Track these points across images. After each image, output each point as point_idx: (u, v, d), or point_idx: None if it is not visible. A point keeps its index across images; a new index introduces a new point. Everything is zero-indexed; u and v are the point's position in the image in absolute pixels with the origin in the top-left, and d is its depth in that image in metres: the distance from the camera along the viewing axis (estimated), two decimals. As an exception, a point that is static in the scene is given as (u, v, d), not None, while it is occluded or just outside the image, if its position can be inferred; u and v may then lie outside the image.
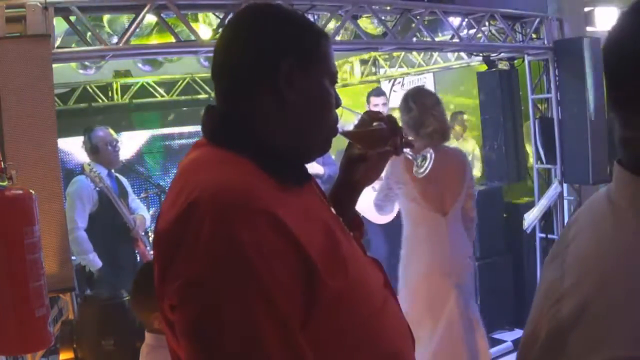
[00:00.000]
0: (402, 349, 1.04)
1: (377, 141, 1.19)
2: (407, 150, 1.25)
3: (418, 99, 3.01)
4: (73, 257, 3.09)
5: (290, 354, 0.82)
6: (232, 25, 1.06)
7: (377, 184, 4.58)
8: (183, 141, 6.77)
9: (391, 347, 1.01)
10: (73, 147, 3.99)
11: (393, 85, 7.06)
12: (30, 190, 2.23)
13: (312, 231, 0.91)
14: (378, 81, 7.09)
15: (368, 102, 4.84)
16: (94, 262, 3.59)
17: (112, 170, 3.89)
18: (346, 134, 1.19)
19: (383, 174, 2.94)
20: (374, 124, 1.19)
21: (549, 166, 4.70)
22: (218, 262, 0.81)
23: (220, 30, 3.45)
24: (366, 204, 4.70)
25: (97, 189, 3.65)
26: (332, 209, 1.09)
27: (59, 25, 3.07)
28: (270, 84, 0.98)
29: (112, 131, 3.94)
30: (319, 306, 0.87)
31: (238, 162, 0.93)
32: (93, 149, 3.78)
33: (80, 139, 4.00)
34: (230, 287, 0.81)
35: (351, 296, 0.93)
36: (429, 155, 1.40)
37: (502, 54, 4.63)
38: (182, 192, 0.88)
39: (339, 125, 1.10)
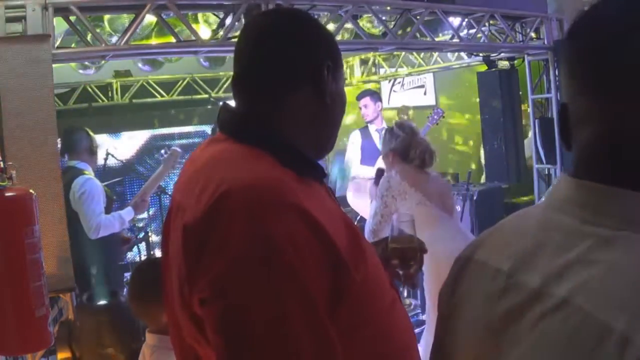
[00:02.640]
0: (411, 344, 1.06)
1: (407, 263, 1.34)
2: (405, 289, 1.40)
3: (404, 126, 3.18)
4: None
5: (323, 347, 0.83)
6: (266, 29, 1.06)
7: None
8: (183, 141, 6.76)
9: (403, 341, 1.02)
10: (72, 148, 3.92)
11: (393, 85, 7.07)
12: (30, 190, 2.23)
13: (336, 224, 0.92)
14: (378, 81, 7.09)
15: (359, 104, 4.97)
16: (129, 215, 3.60)
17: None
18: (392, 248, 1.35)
19: (376, 196, 3.09)
20: (406, 246, 1.34)
21: (549, 166, 4.70)
22: (252, 255, 0.82)
23: (220, 30, 3.47)
24: (363, 202, 4.71)
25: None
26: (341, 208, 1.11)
27: (59, 25, 3.08)
28: (312, 85, 1.02)
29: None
30: (346, 298, 0.88)
31: (261, 157, 0.95)
32: (92, 151, 3.73)
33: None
34: (265, 281, 0.81)
35: (370, 289, 0.95)
36: (412, 306, 1.57)
37: (502, 54, 4.63)
38: (209, 186, 0.88)
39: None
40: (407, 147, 3.08)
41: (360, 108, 4.94)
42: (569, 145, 0.66)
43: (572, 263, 0.59)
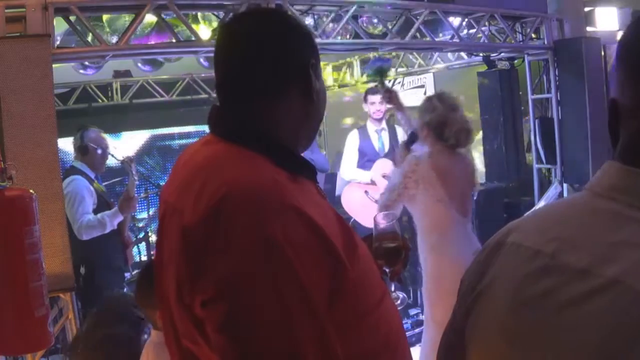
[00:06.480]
0: (402, 337, 1.06)
1: (393, 261, 1.36)
2: (392, 284, 1.43)
3: (443, 99, 2.95)
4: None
5: (323, 345, 0.85)
6: (249, 32, 1.05)
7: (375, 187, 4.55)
8: (183, 141, 6.76)
9: (394, 334, 1.03)
10: (73, 147, 3.93)
11: (393, 85, 7.07)
12: (30, 190, 2.23)
13: (330, 222, 0.94)
14: (378, 81, 7.09)
15: (365, 100, 4.77)
16: (116, 217, 3.54)
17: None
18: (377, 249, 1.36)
19: (397, 172, 2.82)
20: (391, 244, 1.35)
21: (549, 166, 4.70)
22: (254, 256, 0.83)
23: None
24: (357, 206, 4.67)
25: (93, 188, 3.63)
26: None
27: (59, 25, 3.08)
28: (299, 85, 1.03)
29: (105, 136, 3.82)
30: (343, 294, 0.90)
31: (256, 158, 0.95)
32: (82, 149, 3.68)
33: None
34: (267, 282, 0.83)
35: (364, 283, 0.96)
36: (399, 300, 1.58)
37: (502, 54, 4.64)
38: (207, 188, 0.89)
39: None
40: (442, 124, 2.84)
41: (372, 103, 4.59)
42: (616, 138, 0.67)
43: (621, 245, 0.60)
